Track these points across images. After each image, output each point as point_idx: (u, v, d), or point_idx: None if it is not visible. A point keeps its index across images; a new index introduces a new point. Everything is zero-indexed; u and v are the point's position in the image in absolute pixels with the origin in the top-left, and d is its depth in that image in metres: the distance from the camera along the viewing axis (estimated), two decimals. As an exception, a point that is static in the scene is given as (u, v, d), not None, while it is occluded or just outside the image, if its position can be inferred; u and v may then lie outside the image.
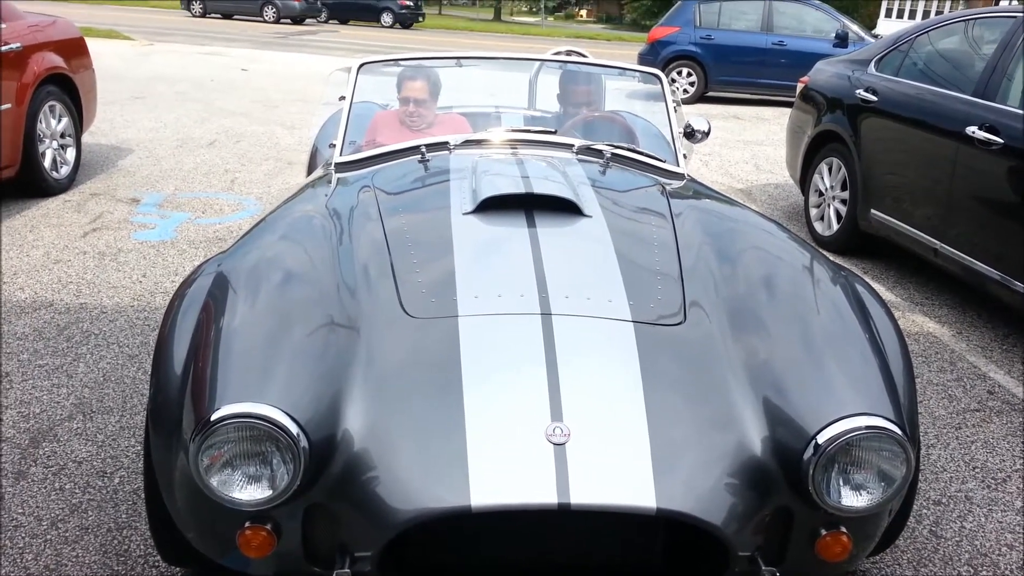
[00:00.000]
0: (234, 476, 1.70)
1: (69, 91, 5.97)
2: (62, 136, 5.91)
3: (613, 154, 3.09)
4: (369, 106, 3.77)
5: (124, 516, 2.53)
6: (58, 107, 5.82)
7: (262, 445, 1.69)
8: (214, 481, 1.68)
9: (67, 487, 2.66)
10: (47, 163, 5.69)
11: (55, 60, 5.74)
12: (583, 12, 58.52)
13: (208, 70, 13.06)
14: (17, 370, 3.37)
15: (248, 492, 1.69)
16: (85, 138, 6.61)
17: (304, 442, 1.68)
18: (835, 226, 5.63)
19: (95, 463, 2.79)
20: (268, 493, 1.69)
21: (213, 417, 1.67)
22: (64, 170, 5.94)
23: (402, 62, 3.72)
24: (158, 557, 2.34)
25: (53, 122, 5.77)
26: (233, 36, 20.71)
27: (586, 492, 1.68)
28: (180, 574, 2.31)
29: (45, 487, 2.65)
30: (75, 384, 3.29)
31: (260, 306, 2.02)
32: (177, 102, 9.91)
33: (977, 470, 3.10)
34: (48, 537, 2.43)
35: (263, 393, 1.72)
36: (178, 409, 1.82)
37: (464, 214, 2.45)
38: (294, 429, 1.68)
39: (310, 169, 4.32)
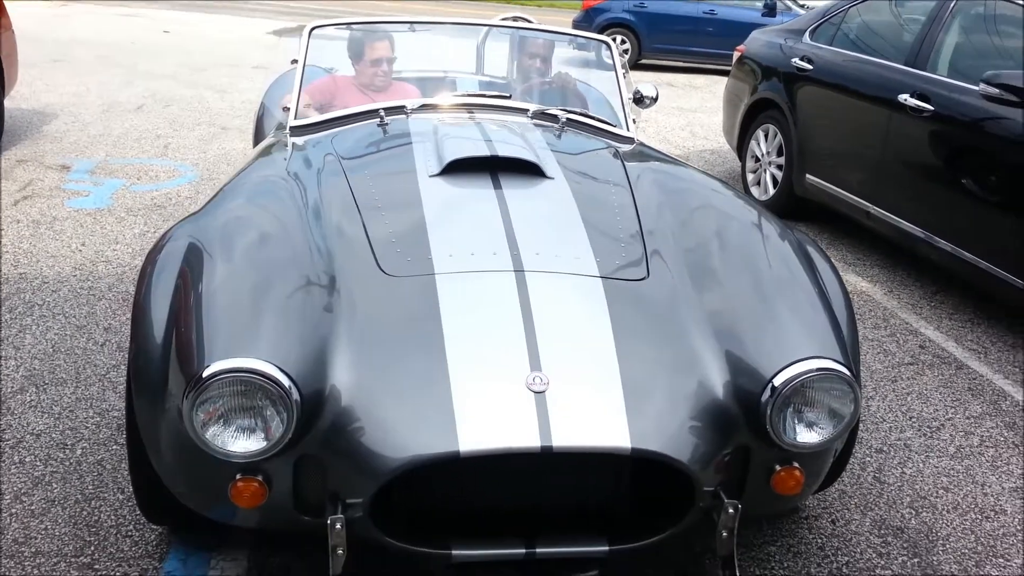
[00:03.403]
0: (228, 429, 1.73)
1: (-11, 53, 5.70)
2: (-17, 100, 5.66)
3: (567, 119, 3.13)
4: (314, 70, 3.71)
5: (91, 487, 2.50)
6: (-22, 70, 5.57)
7: (255, 398, 1.72)
8: (209, 435, 1.71)
9: (27, 460, 2.61)
10: (-31, 128, 5.44)
11: (-27, 20, 5.47)
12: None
13: (129, 32, 12.54)
14: (-41, 343, 3.27)
15: (242, 444, 1.72)
16: (6, 102, 6.33)
17: (296, 395, 1.72)
18: (771, 191, 5.80)
19: (54, 435, 2.73)
20: (262, 445, 1.72)
21: (205, 373, 1.70)
22: (-13, 136, 5.70)
23: (354, 26, 3.67)
24: (131, 527, 2.33)
25: (-26, 85, 5.52)
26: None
27: (567, 436, 1.77)
28: (153, 542, 2.31)
29: (4, 460, 2.60)
30: (23, 356, 3.20)
31: (238, 265, 2.03)
32: (99, 65, 9.53)
33: (913, 419, 3.29)
34: (13, 511, 2.39)
35: (253, 348, 1.75)
36: (162, 371, 1.83)
37: (431, 176, 2.48)
38: (286, 382, 1.71)
39: (257, 132, 4.25)
